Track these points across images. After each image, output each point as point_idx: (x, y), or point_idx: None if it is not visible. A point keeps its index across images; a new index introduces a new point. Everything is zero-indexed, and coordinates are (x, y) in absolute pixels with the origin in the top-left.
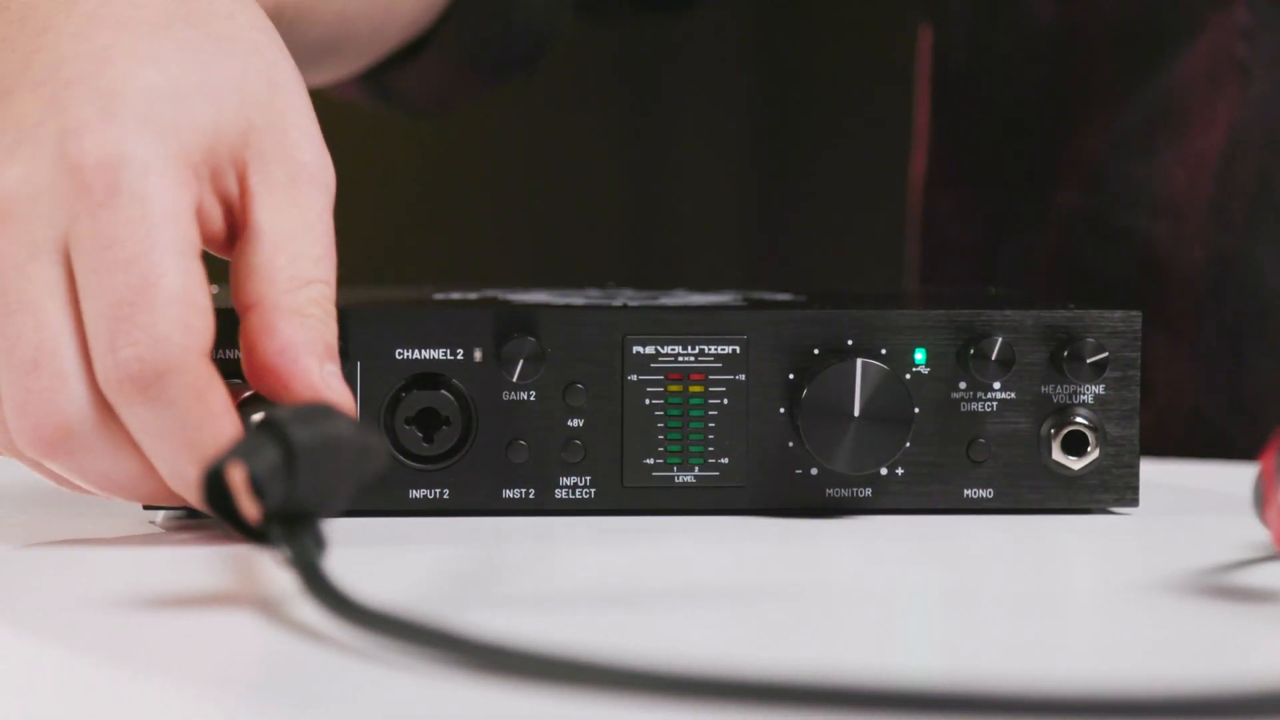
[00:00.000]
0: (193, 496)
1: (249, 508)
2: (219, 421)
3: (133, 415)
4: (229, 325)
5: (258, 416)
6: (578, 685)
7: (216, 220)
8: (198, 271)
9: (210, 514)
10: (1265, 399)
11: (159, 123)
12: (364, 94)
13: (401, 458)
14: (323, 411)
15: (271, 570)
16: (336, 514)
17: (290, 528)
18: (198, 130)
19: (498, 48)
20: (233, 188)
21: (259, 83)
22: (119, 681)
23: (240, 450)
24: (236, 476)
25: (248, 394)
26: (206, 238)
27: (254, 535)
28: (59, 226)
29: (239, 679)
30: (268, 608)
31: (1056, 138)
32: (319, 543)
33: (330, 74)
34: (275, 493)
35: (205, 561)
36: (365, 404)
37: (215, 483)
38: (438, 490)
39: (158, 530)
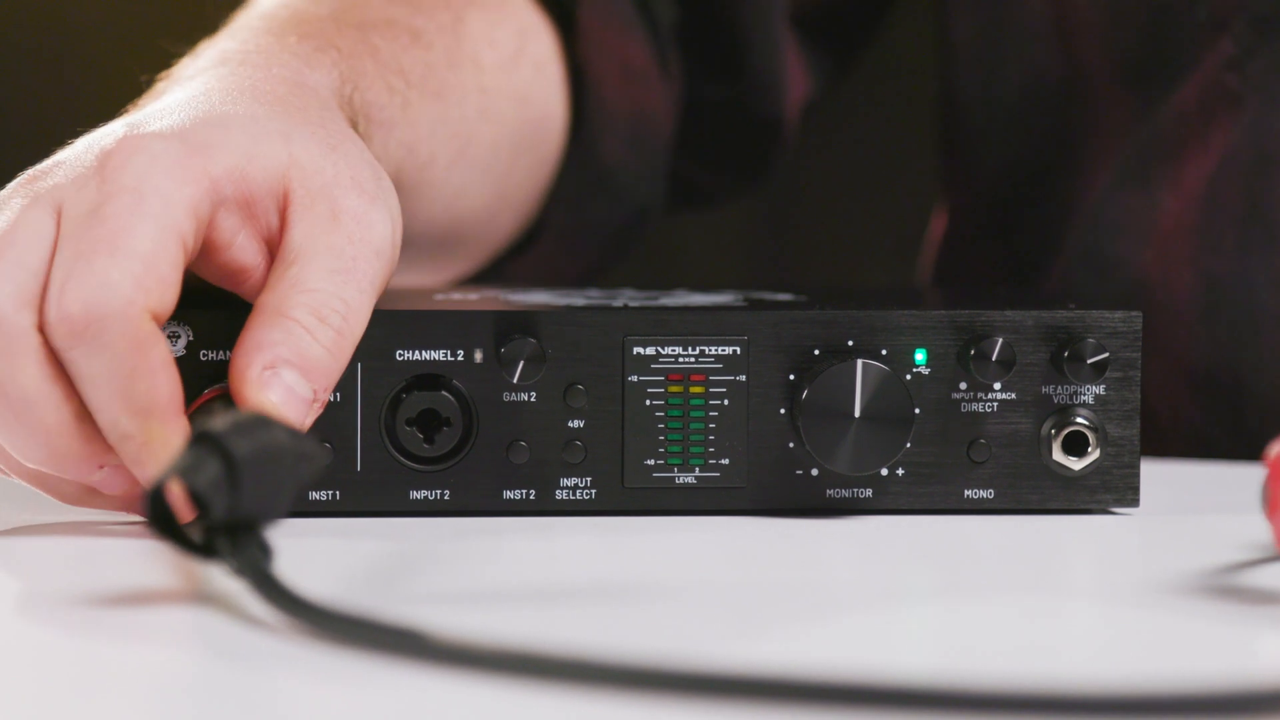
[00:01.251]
0: (125, 450)
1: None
2: (156, 376)
3: (72, 360)
4: (221, 328)
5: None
6: (556, 681)
7: (250, 252)
8: (173, 251)
9: (155, 535)
10: (1266, 420)
11: (191, 138)
12: None
13: (402, 459)
14: (259, 421)
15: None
16: (279, 519)
17: (235, 539)
18: (229, 152)
19: (605, 223)
20: (273, 222)
21: (314, 141)
22: (64, 682)
23: (180, 466)
24: (177, 495)
25: (211, 393)
26: (232, 269)
27: (200, 550)
28: (64, 192)
29: (186, 680)
30: (220, 604)
31: (1063, 182)
32: (265, 550)
33: (448, 267)
34: (218, 506)
35: (152, 555)
36: (366, 405)
37: (157, 502)
38: (438, 491)
39: (99, 522)
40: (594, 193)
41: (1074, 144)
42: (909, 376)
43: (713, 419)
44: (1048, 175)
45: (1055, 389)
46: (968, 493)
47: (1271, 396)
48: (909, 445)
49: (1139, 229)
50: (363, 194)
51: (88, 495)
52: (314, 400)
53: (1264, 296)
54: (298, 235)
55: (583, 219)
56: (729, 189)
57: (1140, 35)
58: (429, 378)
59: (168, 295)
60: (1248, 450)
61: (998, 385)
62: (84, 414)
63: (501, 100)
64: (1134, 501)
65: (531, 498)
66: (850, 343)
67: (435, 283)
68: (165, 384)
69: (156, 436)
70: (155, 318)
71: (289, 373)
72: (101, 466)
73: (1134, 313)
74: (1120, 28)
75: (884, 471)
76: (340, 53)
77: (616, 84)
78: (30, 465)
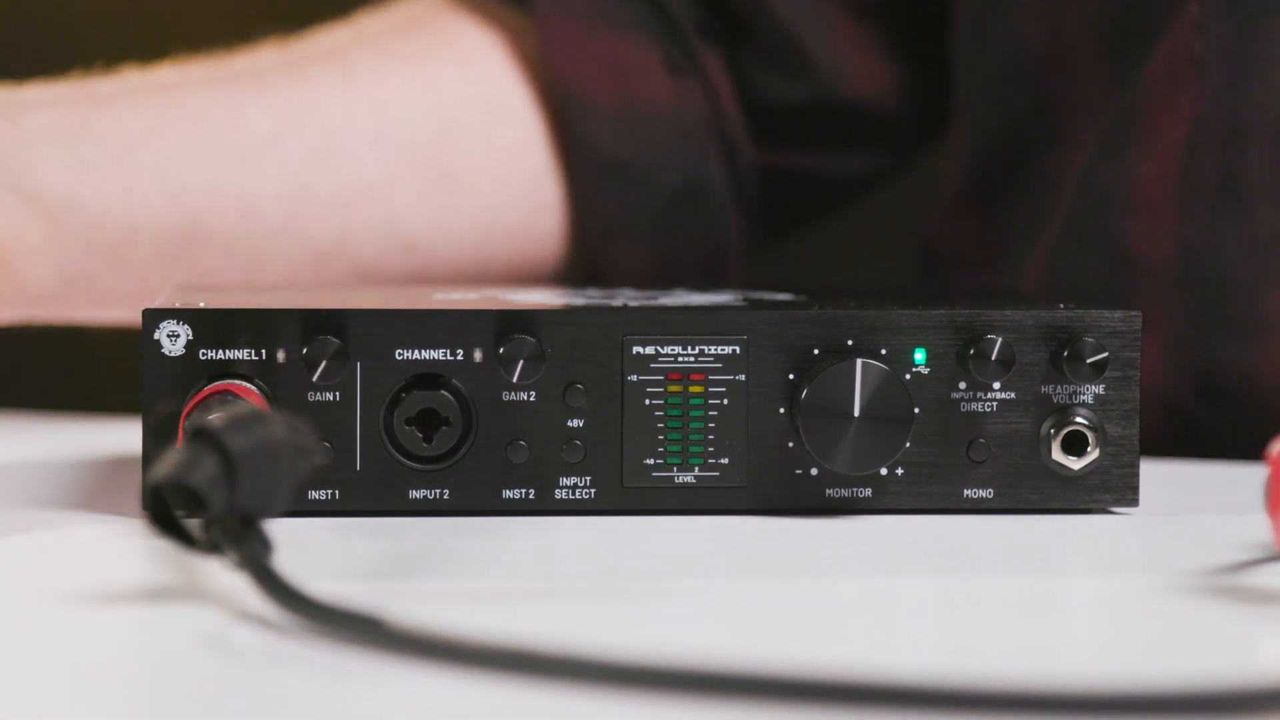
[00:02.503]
0: None
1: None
2: None
3: None
4: (220, 327)
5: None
6: (556, 680)
7: None
8: None
9: (155, 532)
10: (1232, 387)
11: None
12: None
13: (401, 458)
14: (256, 416)
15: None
16: (279, 513)
17: (235, 534)
18: None
19: (635, 214)
20: None
21: None
22: (63, 680)
23: (178, 463)
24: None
25: (209, 390)
26: None
27: (201, 546)
28: None
29: (186, 677)
30: (221, 601)
31: (1047, 154)
32: (265, 544)
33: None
34: (217, 502)
35: (152, 553)
36: (365, 404)
37: (158, 501)
38: (437, 490)
39: (98, 521)
40: (606, 183)
41: (1056, 115)
42: (908, 376)
43: (712, 418)
44: (1032, 147)
45: (1055, 388)
46: (967, 492)
47: (1238, 366)
48: (908, 445)
49: (1119, 199)
50: None
51: None
52: None
53: (1235, 266)
54: None
55: (605, 210)
56: (860, 173)
57: (1122, 4)
58: (428, 377)
59: None
60: (1212, 419)
61: (997, 385)
62: None
63: (392, 80)
64: (1133, 501)
65: (531, 497)
66: (850, 342)
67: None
68: None
69: None
70: None
71: None
72: None
73: (1134, 313)
74: None
75: (883, 471)
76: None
77: (596, 78)
78: None
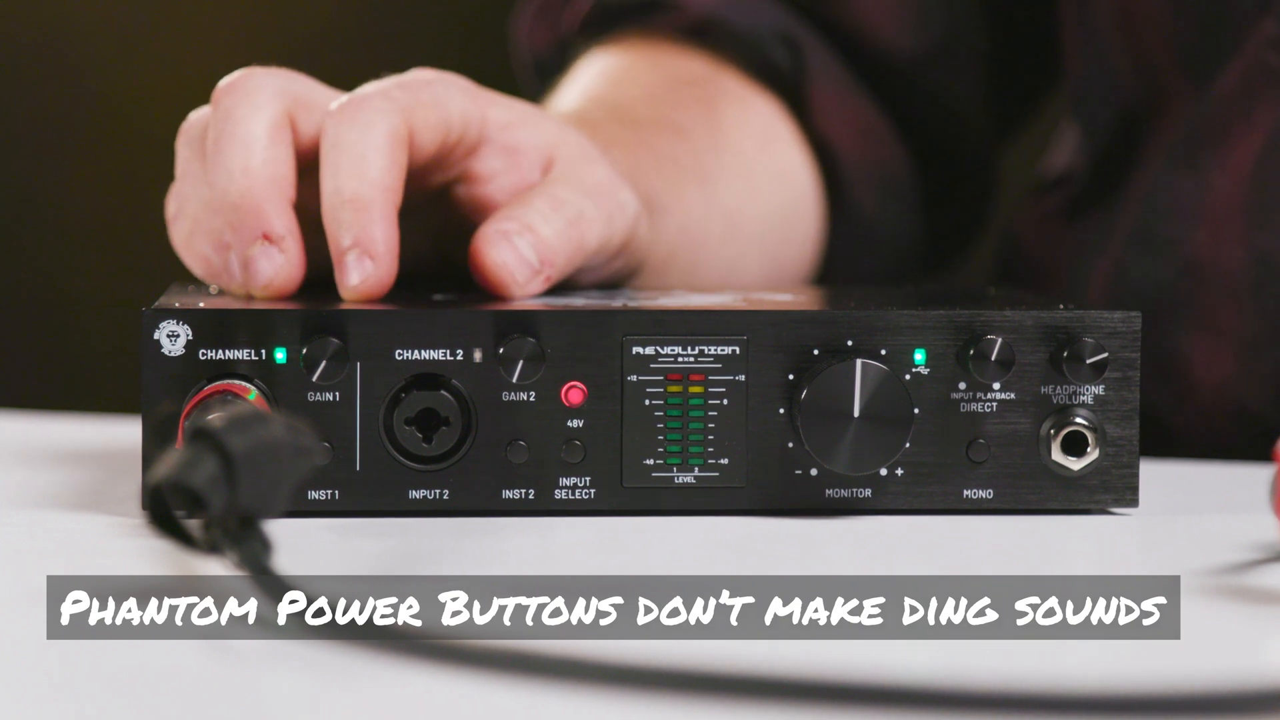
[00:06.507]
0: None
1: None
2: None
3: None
4: (219, 327)
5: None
6: (554, 680)
7: (505, 195)
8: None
9: (155, 532)
10: None
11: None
12: None
13: (401, 458)
14: (255, 416)
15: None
16: (279, 514)
17: (235, 534)
18: (507, 109)
19: (872, 277)
20: (534, 177)
21: (582, 136)
22: (63, 681)
23: (179, 464)
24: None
25: (209, 390)
26: (483, 202)
27: (201, 546)
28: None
29: (185, 678)
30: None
31: (1122, 168)
32: (265, 544)
33: None
34: (217, 502)
35: (152, 553)
36: (365, 404)
37: (158, 501)
38: (437, 491)
39: (97, 520)
40: (861, 248)
41: (1135, 130)
42: (908, 376)
43: (712, 419)
44: (1113, 161)
45: (1054, 389)
46: (967, 493)
47: None
48: (908, 445)
49: (1190, 210)
50: (615, 167)
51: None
52: (539, 272)
53: None
54: (555, 171)
55: (856, 275)
56: (948, 244)
57: (1198, 23)
58: (428, 377)
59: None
60: None
61: (997, 385)
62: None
63: (763, 180)
64: (1133, 501)
65: (530, 497)
66: (850, 343)
67: None
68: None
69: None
70: (410, 132)
71: (521, 239)
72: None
73: (1133, 313)
74: (1181, 17)
75: (883, 471)
76: (622, 148)
77: (855, 142)
78: (224, 199)
